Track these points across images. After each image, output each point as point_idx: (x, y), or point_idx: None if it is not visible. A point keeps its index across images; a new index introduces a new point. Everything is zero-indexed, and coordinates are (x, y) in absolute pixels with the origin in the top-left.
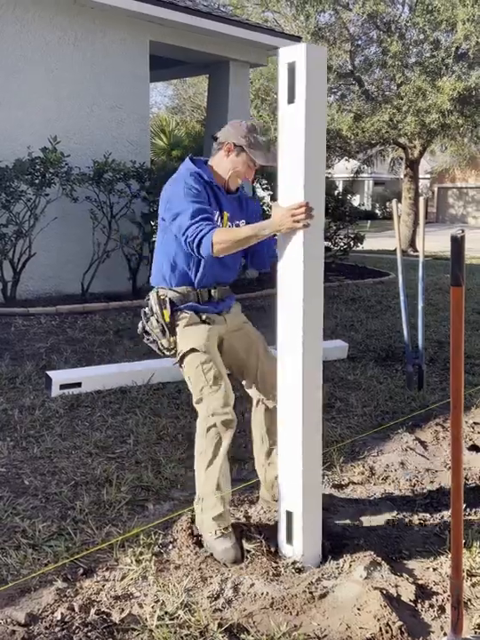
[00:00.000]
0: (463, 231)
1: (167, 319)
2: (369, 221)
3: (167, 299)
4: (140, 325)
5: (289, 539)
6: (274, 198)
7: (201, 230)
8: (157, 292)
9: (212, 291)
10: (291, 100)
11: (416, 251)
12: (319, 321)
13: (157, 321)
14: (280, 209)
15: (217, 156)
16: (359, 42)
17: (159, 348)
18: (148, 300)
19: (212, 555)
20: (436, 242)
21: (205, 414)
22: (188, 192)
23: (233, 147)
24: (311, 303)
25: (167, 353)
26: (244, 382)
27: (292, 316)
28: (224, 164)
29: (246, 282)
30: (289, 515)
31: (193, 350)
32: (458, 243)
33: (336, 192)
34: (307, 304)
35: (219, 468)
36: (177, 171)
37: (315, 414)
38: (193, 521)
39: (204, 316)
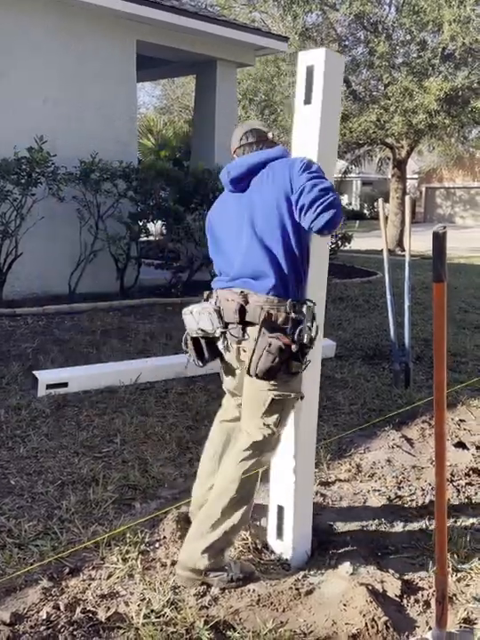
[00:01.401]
0: (445, 227)
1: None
2: (357, 221)
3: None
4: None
5: (279, 534)
6: None
7: (335, 197)
8: (304, 303)
9: None
10: (307, 101)
11: (403, 250)
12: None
13: (313, 335)
14: None
15: None
16: (346, 42)
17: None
18: (291, 312)
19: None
20: (422, 241)
21: (264, 454)
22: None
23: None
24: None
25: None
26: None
27: None
28: None
29: None
30: (280, 509)
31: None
32: (439, 239)
33: None
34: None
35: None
36: (283, 156)
37: (312, 409)
38: (179, 519)
39: None
